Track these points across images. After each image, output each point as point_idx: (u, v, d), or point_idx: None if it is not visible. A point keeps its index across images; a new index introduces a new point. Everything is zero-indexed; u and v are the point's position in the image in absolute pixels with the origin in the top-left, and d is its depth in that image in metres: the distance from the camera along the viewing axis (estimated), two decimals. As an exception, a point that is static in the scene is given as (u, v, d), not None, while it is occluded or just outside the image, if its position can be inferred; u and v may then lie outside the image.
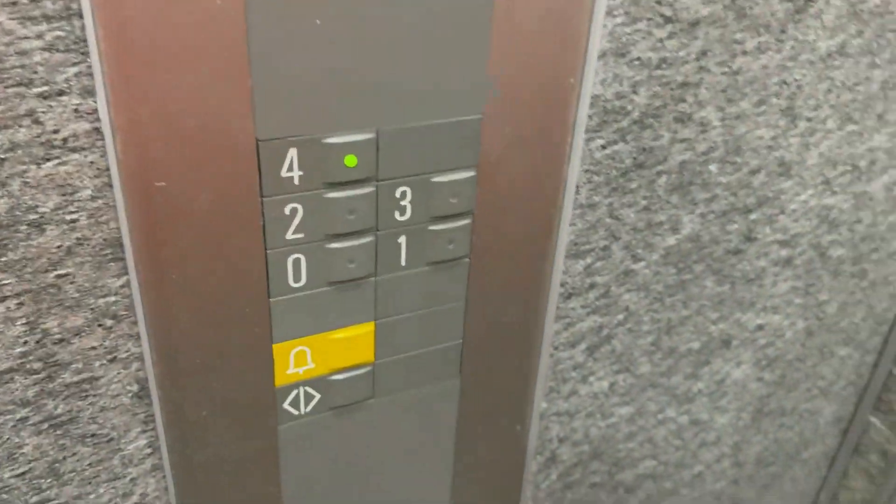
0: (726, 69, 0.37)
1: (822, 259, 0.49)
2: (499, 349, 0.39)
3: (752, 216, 0.43)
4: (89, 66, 0.24)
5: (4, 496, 0.30)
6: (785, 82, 0.39)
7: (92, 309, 0.28)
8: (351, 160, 0.30)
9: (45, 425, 0.30)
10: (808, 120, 0.42)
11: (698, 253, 0.43)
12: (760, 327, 0.49)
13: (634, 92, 0.35)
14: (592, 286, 0.40)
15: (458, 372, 0.38)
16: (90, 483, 0.32)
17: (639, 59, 0.34)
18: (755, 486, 0.60)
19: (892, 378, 0.60)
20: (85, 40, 0.24)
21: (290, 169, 0.29)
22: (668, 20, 0.34)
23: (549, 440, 0.45)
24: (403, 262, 0.33)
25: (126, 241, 0.28)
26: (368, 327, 0.35)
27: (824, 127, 0.43)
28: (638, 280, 0.42)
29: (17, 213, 0.25)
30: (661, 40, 0.34)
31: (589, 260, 0.39)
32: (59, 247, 0.27)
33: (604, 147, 0.36)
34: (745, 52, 0.37)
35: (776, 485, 0.61)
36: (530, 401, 0.42)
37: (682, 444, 0.52)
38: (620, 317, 0.43)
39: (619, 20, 0.33)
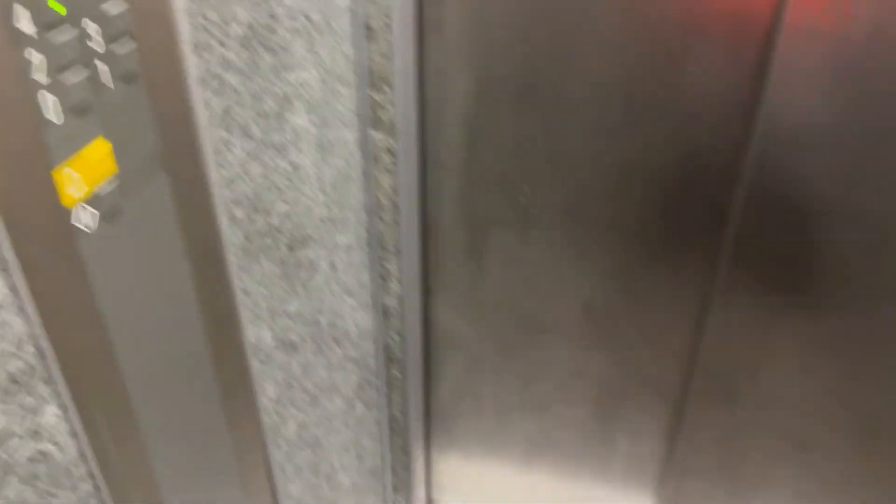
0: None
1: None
2: (177, 157, 0.57)
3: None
4: None
5: None
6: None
7: None
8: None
9: None
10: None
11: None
12: (302, 85, 0.75)
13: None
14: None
15: (163, 171, 0.55)
16: None
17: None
18: (341, 207, 0.90)
19: (374, 103, 0.94)
20: None
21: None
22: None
23: (226, 204, 0.66)
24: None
25: None
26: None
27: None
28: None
29: None
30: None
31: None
32: None
33: None
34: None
35: (350, 190, 0.93)
36: (209, 182, 0.61)
37: (291, 184, 0.77)
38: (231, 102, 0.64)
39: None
